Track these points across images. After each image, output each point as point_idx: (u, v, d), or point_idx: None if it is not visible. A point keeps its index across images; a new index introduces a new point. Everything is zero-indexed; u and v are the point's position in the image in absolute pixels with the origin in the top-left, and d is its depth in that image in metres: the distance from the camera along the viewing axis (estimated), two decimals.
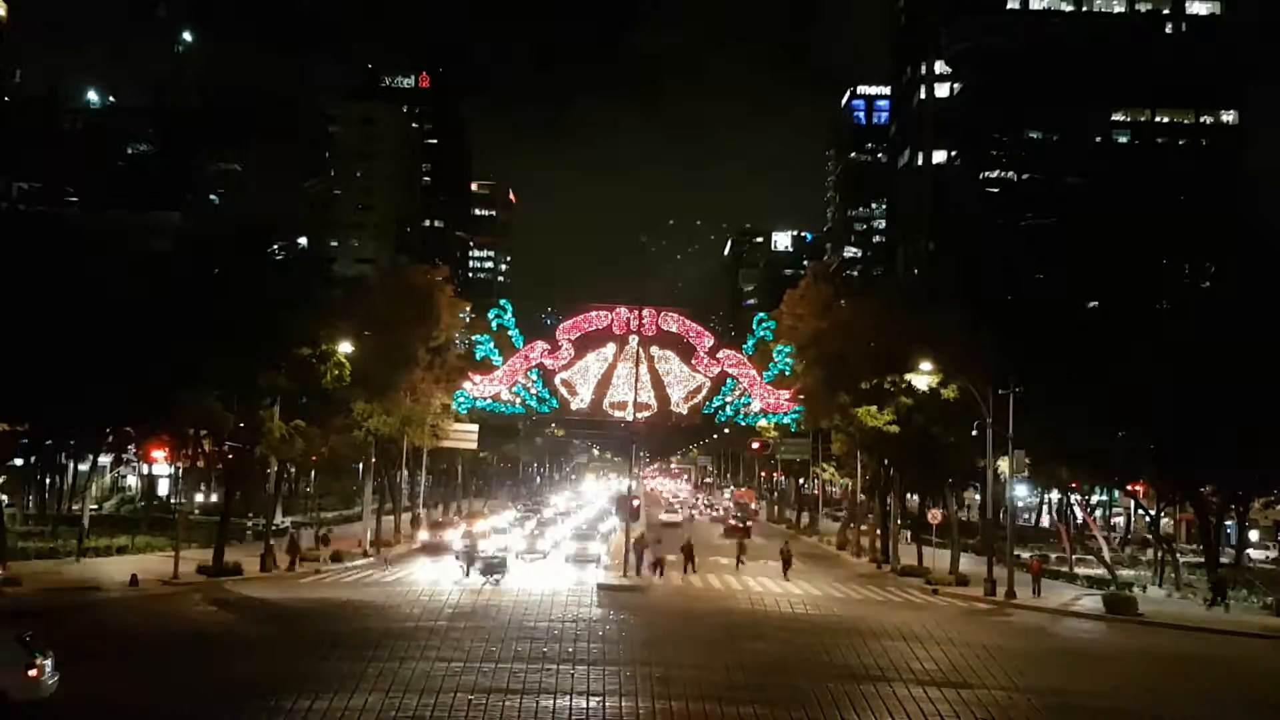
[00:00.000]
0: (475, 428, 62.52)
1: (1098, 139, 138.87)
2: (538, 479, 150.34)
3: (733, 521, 73.75)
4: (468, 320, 62.23)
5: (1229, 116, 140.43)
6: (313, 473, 72.33)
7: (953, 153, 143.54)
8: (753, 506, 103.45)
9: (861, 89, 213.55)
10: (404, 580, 42.11)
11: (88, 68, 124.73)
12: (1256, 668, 29.10)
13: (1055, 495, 70.06)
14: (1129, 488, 54.56)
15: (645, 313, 59.03)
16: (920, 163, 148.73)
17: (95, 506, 54.82)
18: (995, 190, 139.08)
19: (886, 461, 55.40)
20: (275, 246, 50.66)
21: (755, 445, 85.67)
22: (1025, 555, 48.98)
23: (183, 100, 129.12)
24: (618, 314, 58.59)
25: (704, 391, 59.10)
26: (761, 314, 67.14)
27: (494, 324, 58.81)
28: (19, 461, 50.65)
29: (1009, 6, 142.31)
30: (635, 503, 56.47)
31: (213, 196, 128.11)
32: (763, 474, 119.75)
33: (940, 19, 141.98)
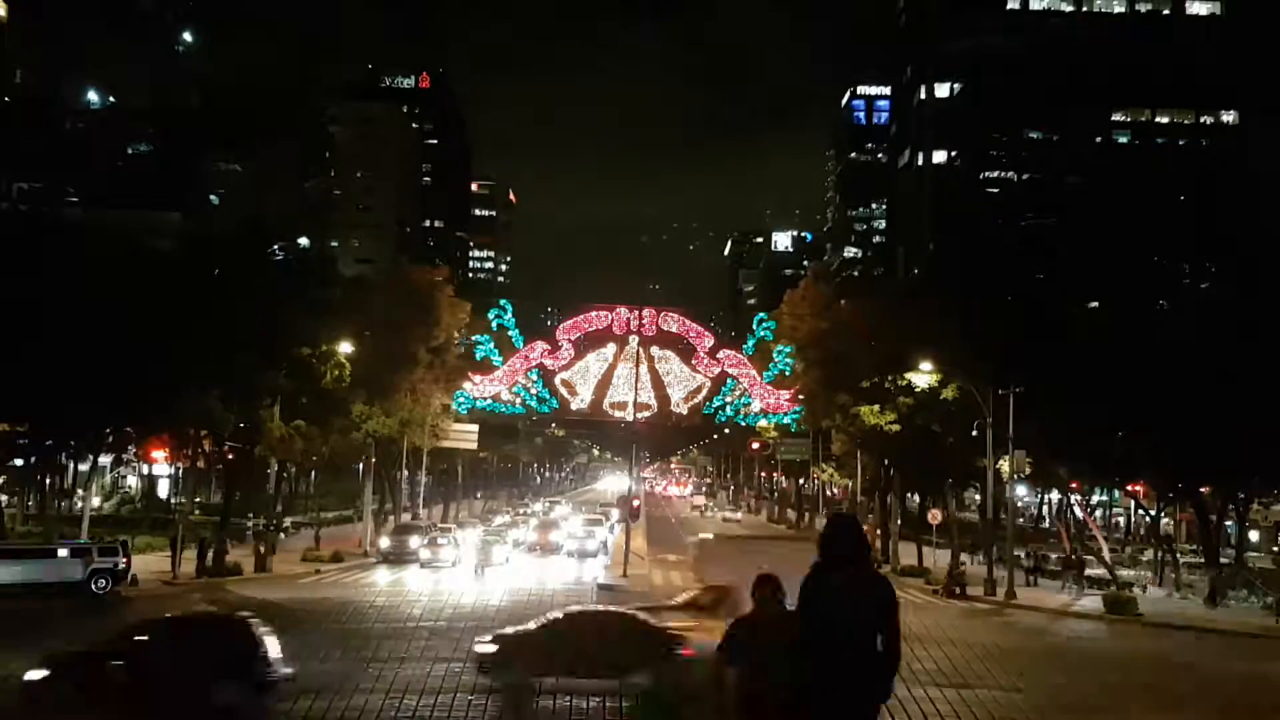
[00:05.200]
0: (475, 428, 62.50)
1: (1098, 139, 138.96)
2: (537, 479, 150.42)
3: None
4: (468, 320, 62.12)
5: (1229, 116, 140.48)
6: (313, 473, 72.31)
7: (953, 153, 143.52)
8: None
9: (861, 89, 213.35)
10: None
11: (88, 68, 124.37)
12: (1253, 669, 29.07)
13: (1055, 495, 70.04)
14: (1129, 488, 54.58)
15: (645, 313, 58.95)
16: (920, 163, 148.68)
17: (95, 506, 54.80)
18: (995, 190, 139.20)
19: (886, 462, 55.40)
20: (275, 246, 50.67)
21: (755, 445, 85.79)
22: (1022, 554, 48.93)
23: (183, 100, 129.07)
24: (618, 314, 58.54)
25: (704, 391, 59.03)
26: (761, 314, 67.08)
27: (494, 324, 58.76)
28: (19, 461, 50.61)
29: (1009, 6, 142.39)
30: (636, 503, 56.50)
31: (213, 196, 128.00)
32: (762, 474, 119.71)
33: (940, 19, 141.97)
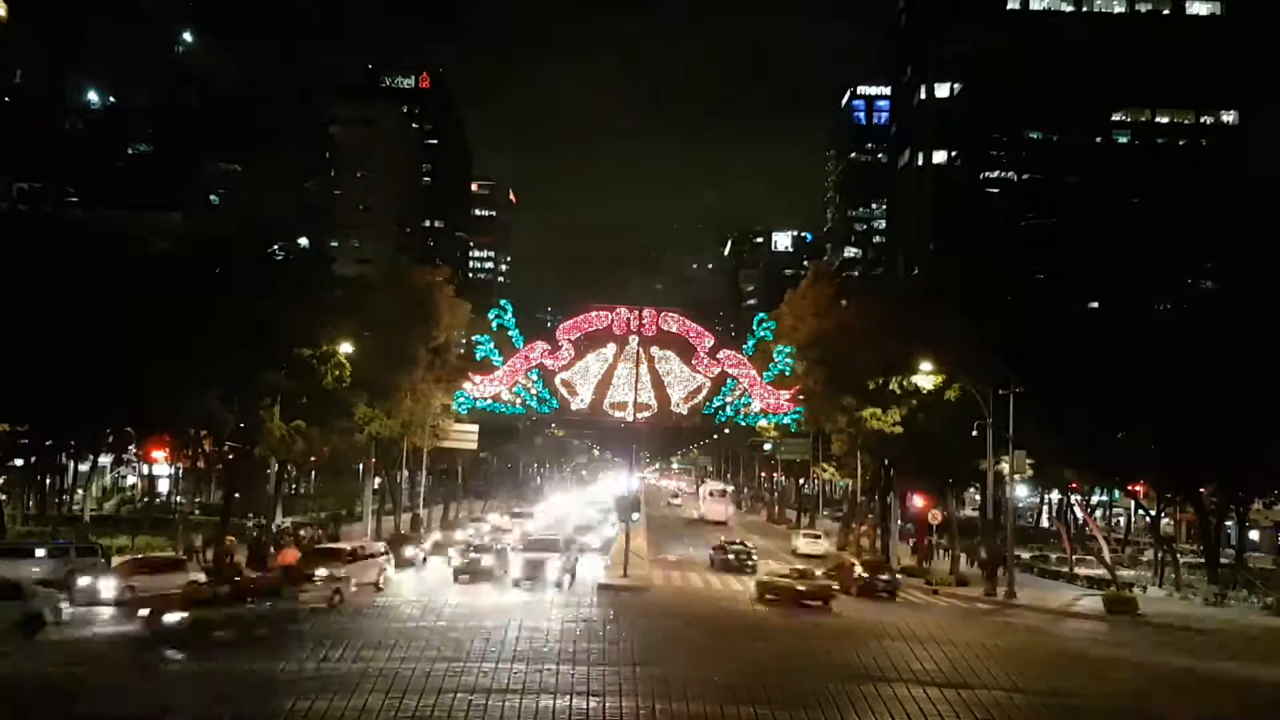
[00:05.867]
0: (475, 428, 62.48)
1: (1098, 139, 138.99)
2: (537, 479, 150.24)
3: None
4: (468, 320, 62.13)
5: (1229, 116, 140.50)
6: (313, 473, 72.31)
7: (953, 153, 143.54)
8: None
9: (861, 89, 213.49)
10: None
11: (88, 68, 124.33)
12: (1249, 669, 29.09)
13: (1055, 495, 70.05)
14: (1129, 488, 54.59)
15: (645, 313, 58.99)
16: (920, 163, 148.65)
17: (95, 506, 54.85)
18: (995, 190, 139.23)
19: (886, 462, 55.40)
20: (275, 246, 50.66)
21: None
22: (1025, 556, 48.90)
23: (183, 100, 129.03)
24: (618, 314, 58.58)
25: (704, 392, 59.06)
26: (762, 314, 67.09)
27: (494, 324, 58.76)
28: (19, 461, 50.63)
29: (1009, 6, 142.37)
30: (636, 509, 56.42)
31: (213, 196, 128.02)
32: (762, 474, 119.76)
33: (940, 19, 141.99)
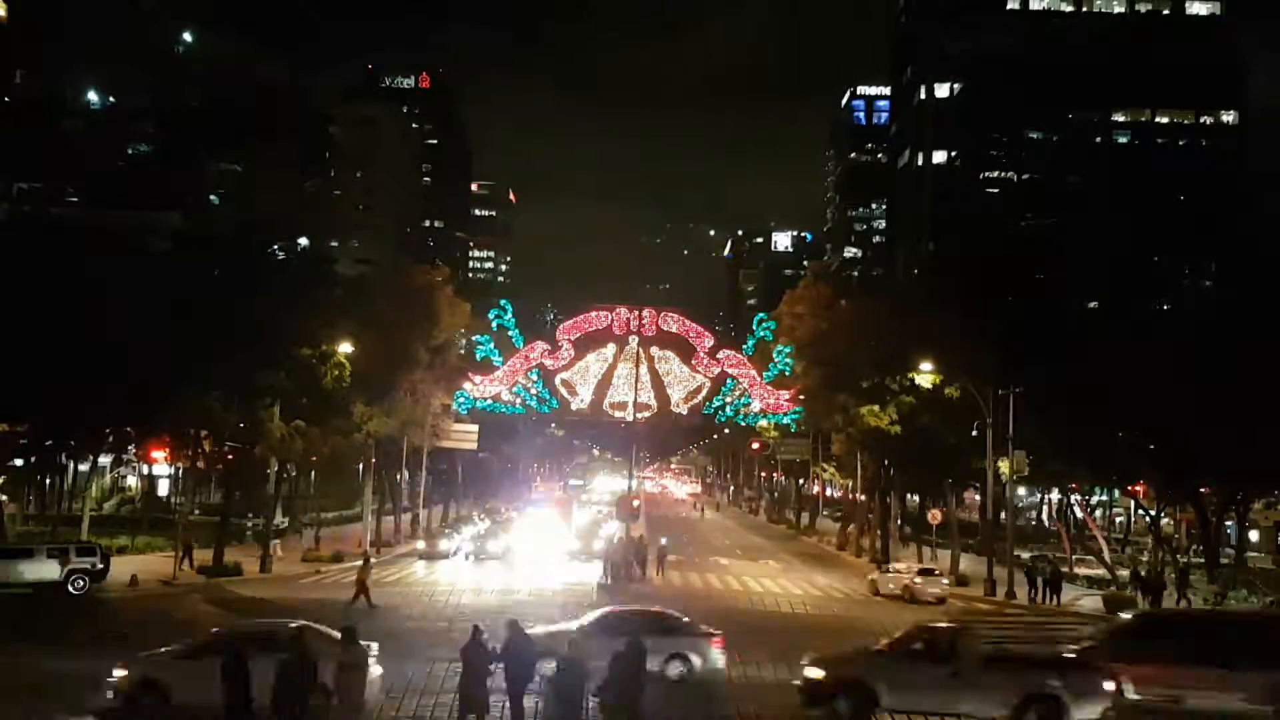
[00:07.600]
0: (475, 428, 62.45)
1: (1098, 139, 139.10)
2: (537, 479, 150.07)
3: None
4: (467, 320, 62.12)
5: (1229, 116, 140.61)
6: (313, 473, 72.22)
7: (953, 153, 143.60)
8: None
9: (861, 89, 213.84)
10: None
11: (88, 68, 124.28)
12: None
13: (1055, 495, 70.08)
14: (1129, 488, 54.56)
15: (645, 313, 59.01)
16: (920, 163, 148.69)
17: (95, 507, 54.75)
18: (995, 190, 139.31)
19: (886, 462, 55.39)
20: (275, 246, 50.61)
21: (755, 445, 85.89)
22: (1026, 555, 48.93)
23: (183, 100, 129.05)
24: (618, 314, 58.59)
25: (704, 392, 59.07)
26: (761, 314, 67.10)
27: (494, 324, 58.74)
28: (19, 461, 50.61)
29: (1009, 6, 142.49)
30: (635, 503, 56.34)
31: (213, 196, 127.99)
32: (763, 474, 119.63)
33: (940, 19, 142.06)
